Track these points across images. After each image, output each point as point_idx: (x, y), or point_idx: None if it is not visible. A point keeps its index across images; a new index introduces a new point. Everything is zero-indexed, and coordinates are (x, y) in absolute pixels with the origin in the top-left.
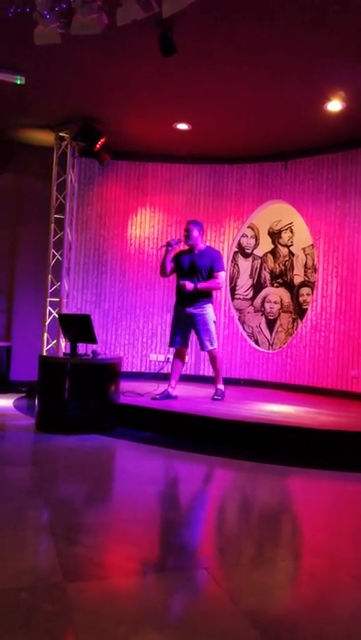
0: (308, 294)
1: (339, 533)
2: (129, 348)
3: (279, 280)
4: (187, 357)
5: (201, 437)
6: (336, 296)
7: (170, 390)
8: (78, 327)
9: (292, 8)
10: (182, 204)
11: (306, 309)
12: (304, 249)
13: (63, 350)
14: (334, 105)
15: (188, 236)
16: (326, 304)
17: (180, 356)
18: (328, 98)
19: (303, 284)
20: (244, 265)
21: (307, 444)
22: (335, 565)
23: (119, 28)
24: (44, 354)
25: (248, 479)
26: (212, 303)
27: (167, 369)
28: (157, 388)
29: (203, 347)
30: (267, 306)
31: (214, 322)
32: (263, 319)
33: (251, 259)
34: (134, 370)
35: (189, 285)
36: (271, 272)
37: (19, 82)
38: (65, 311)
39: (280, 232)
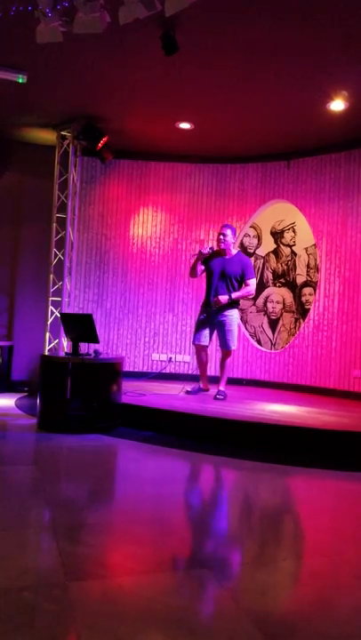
0: (310, 294)
1: (341, 533)
2: (131, 347)
3: (282, 280)
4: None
5: (203, 437)
6: (338, 296)
7: (201, 385)
8: (80, 326)
9: (295, 7)
10: (185, 203)
11: (308, 309)
12: (306, 249)
13: (65, 350)
14: (337, 104)
15: (223, 240)
16: (329, 304)
17: (204, 354)
18: (331, 97)
19: (306, 284)
20: None
21: (309, 444)
22: (337, 565)
23: (121, 26)
24: (46, 353)
25: (250, 479)
26: (239, 306)
27: (169, 369)
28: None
29: (226, 345)
30: (269, 305)
31: (238, 325)
32: (265, 319)
33: (253, 258)
34: (136, 369)
35: (223, 299)
36: (274, 272)
37: (20, 80)
38: (67, 310)
39: (283, 232)
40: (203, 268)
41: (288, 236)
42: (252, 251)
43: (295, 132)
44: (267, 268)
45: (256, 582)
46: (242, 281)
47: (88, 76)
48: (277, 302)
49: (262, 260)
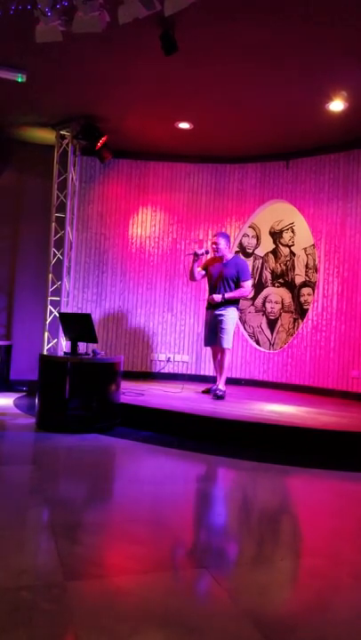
0: (309, 294)
1: (340, 533)
2: (130, 347)
3: (280, 280)
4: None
5: (201, 437)
6: (337, 296)
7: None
8: (79, 326)
9: (295, 7)
10: (184, 203)
11: (307, 309)
12: (305, 249)
13: (63, 349)
14: (336, 105)
15: (216, 249)
16: (327, 304)
17: (216, 354)
18: (330, 97)
19: (304, 284)
20: None
21: (308, 444)
22: (336, 565)
23: (121, 26)
24: (45, 353)
25: (249, 479)
26: (237, 307)
27: (168, 369)
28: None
29: (219, 343)
30: (268, 306)
31: (235, 325)
32: (264, 319)
33: (252, 258)
34: (135, 369)
35: (217, 298)
36: (272, 272)
37: (20, 79)
38: (65, 310)
39: (281, 232)
40: (203, 272)
41: (287, 236)
42: (250, 251)
43: (294, 132)
44: (265, 269)
45: (255, 582)
46: (238, 282)
47: (87, 75)
48: (276, 302)
49: (261, 261)
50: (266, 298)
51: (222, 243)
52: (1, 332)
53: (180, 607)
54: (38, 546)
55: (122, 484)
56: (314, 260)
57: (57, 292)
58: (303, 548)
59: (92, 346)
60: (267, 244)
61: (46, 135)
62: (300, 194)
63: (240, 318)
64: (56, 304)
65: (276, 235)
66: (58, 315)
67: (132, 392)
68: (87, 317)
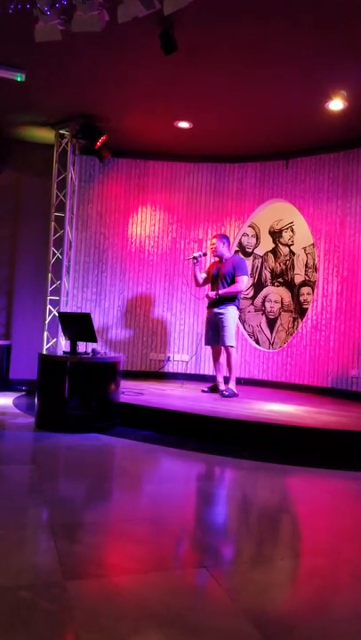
0: (308, 294)
1: (339, 533)
2: (129, 346)
3: (280, 279)
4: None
5: (201, 436)
6: (337, 295)
7: (218, 386)
8: (78, 326)
9: (295, 6)
10: (183, 202)
11: (306, 309)
12: (305, 248)
13: (63, 349)
14: (336, 104)
15: (215, 250)
16: (327, 303)
17: (216, 353)
18: (330, 97)
19: (304, 284)
20: None
21: (307, 444)
22: (336, 565)
23: (120, 25)
24: (44, 352)
25: (248, 478)
26: (238, 305)
27: (167, 368)
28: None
29: (222, 341)
30: (267, 305)
31: (236, 323)
32: (264, 318)
33: (251, 258)
34: (134, 369)
35: (212, 294)
36: (272, 271)
37: (19, 79)
38: (65, 309)
39: (281, 231)
40: (205, 277)
41: (286, 235)
42: (250, 250)
43: (294, 131)
44: (265, 268)
45: (254, 582)
46: (233, 279)
47: (87, 74)
48: (275, 302)
49: (261, 260)
50: (265, 297)
51: (220, 244)
52: (0, 332)
53: (180, 606)
54: (38, 545)
55: (121, 483)
56: (313, 260)
57: (56, 292)
58: (303, 547)
59: (91, 345)
60: (266, 244)
61: (46, 134)
62: (299, 193)
63: (239, 317)
64: (55, 303)
65: (275, 234)
66: (57, 314)
67: (131, 391)
68: (87, 317)
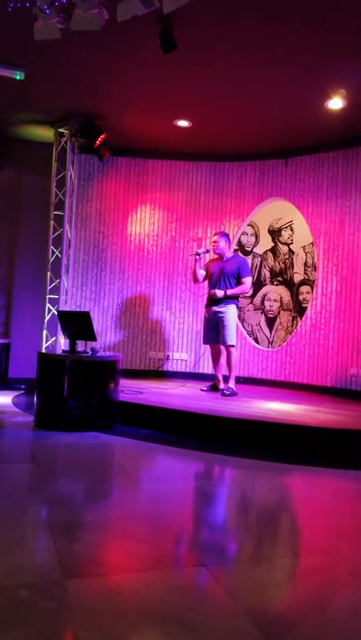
0: (307, 292)
1: (338, 531)
2: (128, 345)
3: (279, 278)
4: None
5: (201, 435)
6: (336, 294)
7: (218, 385)
8: (77, 324)
9: (294, 5)
10: (182, 201)
11: (306, 307)
12: (304, 247)
13: (62, 347)
14: (335, 103)
15: (216, 247)
16: (326, 302)
17: (215, 352)
18: (329, 96)
19: (303, 283)
20: None
21: (306, 442)
22: (335, 563)
23: (120, 23)
24: (43, 351)
25: (248, 477)
26: (237, 304)
27: (166, 367)
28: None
29: (223, 340)
30: (266, 304)
31: (236, 322)
32: (263, 317)
33: (251, 256)
34: (134, 367)
35: (220, 293)
36: (271, 270)
37: (18, 77)
38: (64, 308)
39: (280, 230)
40: (204, 274)
41: (286, 234)
42: (249, 249)
43: (293, 130)
44: (264, 267)
45: (254, 580)
46: (238, 279)
47: (86, 73)
48: (275, 300)
49: (260, 259)
50: (265, 296)
51: (222, 241)
52: None
53: (179, 605)
54: (37, 544)
55: (120, 481)
56: (313, 259)
57: (55, 290)
58: (302, 545)
59: (90, 344)
60: (266, 242)
61: (45, 133)
62: (298, 192)
63: (239, 316)
64: (55, 302)
65: (274, 233)
66: (56, 313)
67: (130, 390)
68: (86, 315)
